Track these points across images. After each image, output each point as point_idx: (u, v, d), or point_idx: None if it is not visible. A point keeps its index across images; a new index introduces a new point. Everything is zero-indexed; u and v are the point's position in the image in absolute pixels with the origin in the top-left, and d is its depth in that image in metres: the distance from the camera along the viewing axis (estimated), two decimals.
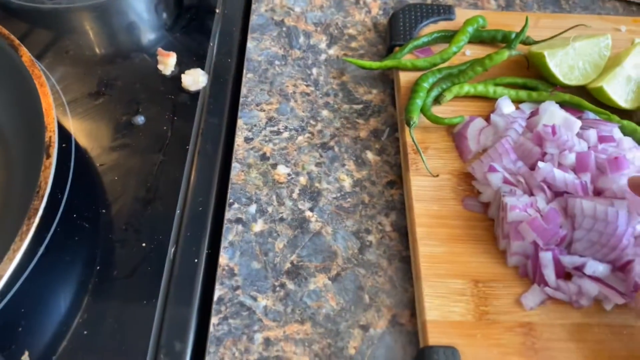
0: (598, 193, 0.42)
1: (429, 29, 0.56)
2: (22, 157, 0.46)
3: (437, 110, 0.49)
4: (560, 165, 0.43)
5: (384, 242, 0.44)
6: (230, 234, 0.44)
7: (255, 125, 0.51)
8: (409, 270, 0.43)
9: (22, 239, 0.36)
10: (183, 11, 0.62)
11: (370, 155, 0.50)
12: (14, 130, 0.47)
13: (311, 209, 0.46)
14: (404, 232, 0.45)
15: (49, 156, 0.40)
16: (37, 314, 0.40)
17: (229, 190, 0.46)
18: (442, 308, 0.38)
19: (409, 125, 0.46)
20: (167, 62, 0.55)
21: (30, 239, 0.36)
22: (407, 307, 0.41)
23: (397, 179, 0.48)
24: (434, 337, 0.37)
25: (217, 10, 0.61)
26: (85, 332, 0.39)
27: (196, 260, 0.43)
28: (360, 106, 0.53)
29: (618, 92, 0.48)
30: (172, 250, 0.43)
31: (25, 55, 0.45)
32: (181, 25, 0.61)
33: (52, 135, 0.41)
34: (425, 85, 0.49)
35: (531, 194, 0.42)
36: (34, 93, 0.43)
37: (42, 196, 0.38)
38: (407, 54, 0.53)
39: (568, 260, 0.39)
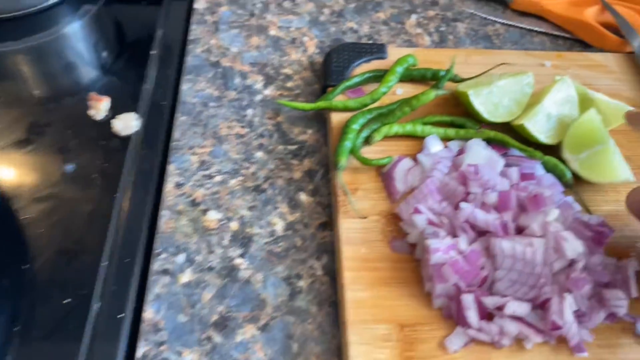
0: (520, 231, 0.43)
1: (362, 68, 0.57)
2: None
3: (367, 151, 0.50)
4: (483, 205, 0.44)
5: (315, 287, 0.44)
6: (156, 287, 0.43)
7: (186, 170, 0.51)
8: (337, 316, 0.43)
9: None
10: (120, 52, 0.62)
11: (303, 197, 0.50)
12: None
13: (242, 256, 0.46)
14: (334, 276, 0.45)
15: None
16: None
17: (156, 240, 0.46)
18: (367, 355, 0.38)
19: (336, 168, 0.47)
20: (99, 107, 0.54)
21: None
22: (334, 355, 0.41)
23: (330, 221, 0.48)
24: None
25: (153, 52, 0.60)
26: None
27: (121, 316, 0.42)
28: (295, 147, 0.53)
29: (539, 128, 0.50)
30: (97, 306, 0.42)
31: None
32: (117, 68, 0.60)
33: None
34: (355, 126, 0.50)
35: (455, 235, 0.43)
36: None
37: None
38: (339, 94, 0.54)
39: (489, 301, 0.40)
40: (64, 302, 0.42)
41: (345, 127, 0.50)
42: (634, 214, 0.43)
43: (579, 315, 0.41)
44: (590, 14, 0.67)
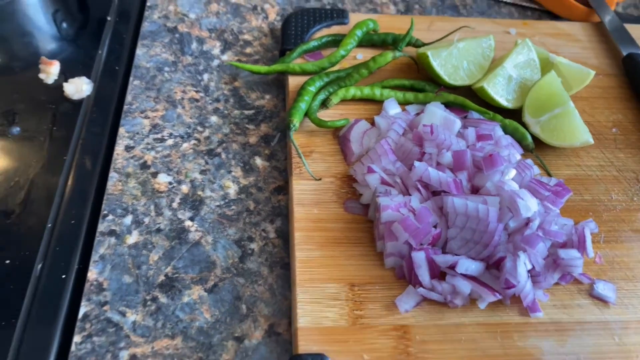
0: (475, 191, 0.42)
1: (321, 33, 0.56)
2: None
3: (325, 114, 0.49)
4: (438, 165, 0.43)
5: (267, 249, 0.43)
6: (101, 247, 0.42)
7: (137, 133, 0.49)
8: (290, 277, 0.42)
9: None
10: (75, 18, 0.60)
11: (259, 161, 0.48)
12: None
13: (191, 219, 0.44)
14: (288, 238, 0.44)
15: None
16: None
17: (104, 202, 0.44)
18: (315, 314, 0.37)
19: (288, 128, 0.46)
20: (50, 71, 0.52)
21: None
22: (285, 316, 0.40)
23: (286, 185, 0.47)
24: (305, 345, 0.36)
25: (109, 18, 0.58)
26: None
27: (64, 276, 0.40)
28: (251, 112, 0.52)
29: (499, 92, 0.49)
30: (39, 266, 0.41)
31: None
32: (72, 33, 0.58)
33: None
34: (312, 88, 0.49)
35: (408, 194, 0.42)
36: None
37: None
38: (296, 58, 0.53)
39: (441, 260, 0.39)
40: (6, 262, 0.40)
41: (301, 89, 0.49)
42: None
43: (534, 275, 0.40)
44: None
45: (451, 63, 0.50)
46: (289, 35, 0.54)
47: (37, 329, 0.38)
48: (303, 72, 0.51)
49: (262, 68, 0.51)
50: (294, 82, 0.51)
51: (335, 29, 0.56)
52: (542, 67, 0.51)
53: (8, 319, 0.38)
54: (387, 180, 0.42)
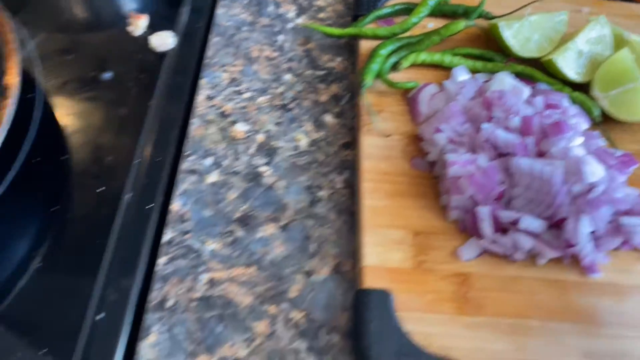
0: (541, 155, 0.44)
1: (393, 1, 0.57)
2: None
3: (394, 77, 0.51)
4: (506, 129, 0.45)
5: (334, 197, 0.46)
6: (184, 184, 0.45)
7: (217, 85, 0.52)
8: (355, 224, 0.44)
9: None
10: None
11: (328, 118, 0.51)
12: None
13: (266, 164, 0.47)
14: (354, 189, 0.46)
15: (6, 97, 0.41)
16: None
17: (186, 144, 0.48)
18: (381, 255, 0.40)
19: (361, 86, 0.48)
20: (138, 24, 0.56)
21: None
22: (350, 257, 0.42)
23: (353, 141, 0.49)
24: (370, 281, 0.39)
25: None
26: (40, 269, 0.40)
27: (150, 206, 0.44)
28: (323, 72, 0.54)
29: (569, 65, 0.50)
30: (128, 196, 0.45)
31: None
32: None
33: (11, 79, 0.42)
34: (383, 52, 0.51)
35: (474, 153, 0.43)
36: None
37: None
38: (369, 23, 0.55)
39: (505, 215, 0.41)
40: (98, 190, 0.45)
41: (373, 52, 0.51)
42: None
43: (595, 238, 0.41)
44: None
45: (522, 35, 0.51)
46: (362, 1, 0.56)
47: (125, 250, 0.42)
48: (375, 37, 0.53)
49: (336, 30, 0.54)
50: (365, 45, 0.53)
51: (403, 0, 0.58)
52: (616, 44, 0.52)
53: (101, 239, 0.42)
54: (455, 139, 0.44)
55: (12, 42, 0.44)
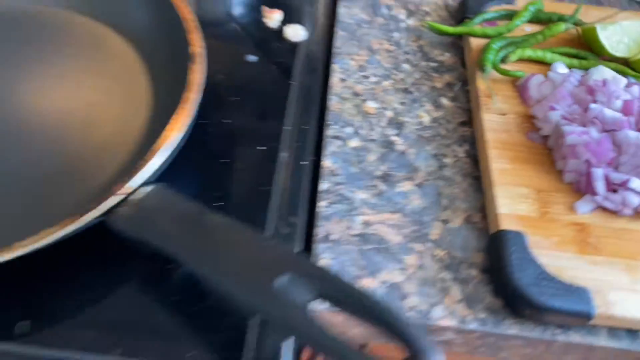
0: None
1: (494, 8, 0.66)
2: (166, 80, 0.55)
3: (504, 68, 0.59)
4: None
5: (458, 164, 0.53)
6: (330, 146, 0.53)
7: (347, 70, 0.61)
8: (479, 186, 0.51)
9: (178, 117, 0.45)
10: None
11: (445, 101, 0.59)
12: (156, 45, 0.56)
13: (397, 135, 0.55)
14: (475, 159, 0.54)
15: (194, 62, 0.49)
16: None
17: (328, 115, 0.56)
18: (511, 206, 0.47)
19: (482, 70, 0.56)
20: (273, 17, 0.65)
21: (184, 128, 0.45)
22: (479, 211, 0.50)
23: (469, 120, 0.57)
24: (505, 225, 0.46)
25: None
26: (220, 207, 0.48)
27: (304, 163, 0.52)
28: (435, 64, 0.63)
29: None
30: (283, 154, 0.52)
31: None
32: None
33: (196, 48, 0.50)
34: (495, 46, 0.59)
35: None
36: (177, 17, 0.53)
37: (195, 91, 0.47)
38: (477, 24, 0.63)
39: (616, 177, 0.48)
40: (258, 148, 0.53)
41: (486, 46, 0.59)
42: None
43: None
44: None
45: (615, 37, 0.59)
46: (469, 6, 0.65)
47: (288, 194, 0.49)
48: (484, 35, 0.62)
49: (450, 28, 0.62)
50: (475, 42, 0.62)
51: (504, 7, 0.66)
52: None
53: (266, 186, 0.50)
54: (567, 117, 0.52)
55: (193, 19, 0.52)
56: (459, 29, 0.62)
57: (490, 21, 0.64)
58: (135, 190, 0.40)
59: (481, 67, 0.57)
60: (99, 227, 0.40)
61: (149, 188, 0.41)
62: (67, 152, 0.49)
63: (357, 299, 0.32)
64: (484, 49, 0.59)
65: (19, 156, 0.49)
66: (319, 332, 0.31)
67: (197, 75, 0.49)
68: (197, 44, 0.51)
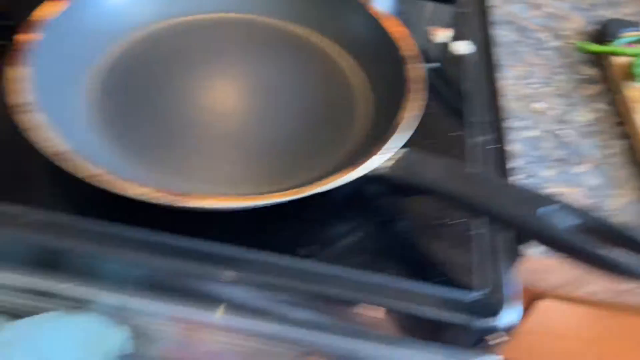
0: None
1: (629, 34, 0.78)
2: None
3: None
4: None
5: (620, 155, 0.64)
6: (511, 135, 0.65)
7: (512, 77, 0.73)
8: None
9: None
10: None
11: (600, 105, 0.71)
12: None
13: (563, 130, 0.66)
14: (632, 152, 0.64)
15: (411, 63, 0.61)
16: None
17: (504, 112, 0.67)
18: None
19: (634, 80, 0.68)
20: (441, 35, 0.78)
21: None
22: None
23: (623, 121, 0.68)
24: None
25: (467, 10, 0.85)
26: None
27: (490, 147, 0.63)
28: (584, 77, 0.75)
29: None
30: (469, 140, 0.64)
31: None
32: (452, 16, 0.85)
33: (409, 52, 0.63)
34: (638, 62, 0.71)
35: None
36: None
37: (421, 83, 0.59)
38: (617, 46, 0.75)
39: None
40: (449, 135, 0.64)
41: (634, 62, 0.71)
42: None
43: None
44: None
45: None
46: (608, 31, 0.78)
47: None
48: (624, 54, 0.74)
49: (599, 47, 0.74)
50: (617, 60, 0.74)
51: (635, 33, 0.78)
52: None
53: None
54: None
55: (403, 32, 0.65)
56: (606, 48, 0.74)
57: (629, 44, 0.76)
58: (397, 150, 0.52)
59: (631, 78, 0.68)
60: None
61: (403, 150, 0.53)
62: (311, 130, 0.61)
63: (619, 232, 0.42)
64: (631, 65, 0.70)
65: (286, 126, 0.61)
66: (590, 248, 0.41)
67: (418, 72, 0.61)
68: (410, 49, 0.64)
